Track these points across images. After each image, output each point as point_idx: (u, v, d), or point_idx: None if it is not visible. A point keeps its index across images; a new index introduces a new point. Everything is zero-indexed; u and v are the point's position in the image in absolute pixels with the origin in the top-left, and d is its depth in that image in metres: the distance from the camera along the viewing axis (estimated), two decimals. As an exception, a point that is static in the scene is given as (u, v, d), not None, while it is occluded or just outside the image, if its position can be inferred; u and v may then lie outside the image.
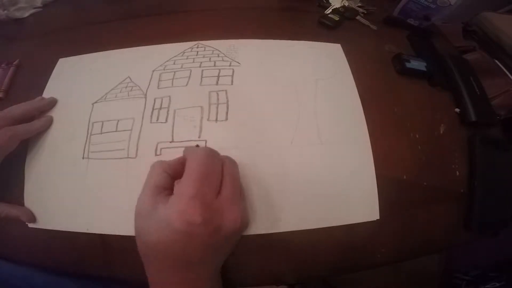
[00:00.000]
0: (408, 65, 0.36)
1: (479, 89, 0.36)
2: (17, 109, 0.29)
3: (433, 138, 0.32)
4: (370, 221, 0.28)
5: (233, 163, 0.25)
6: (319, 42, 0.37)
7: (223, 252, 0.24)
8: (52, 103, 0.32)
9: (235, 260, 0.27)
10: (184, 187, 0.20)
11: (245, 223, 0.24)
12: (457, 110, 0.35)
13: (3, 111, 0.28)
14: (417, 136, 0.32)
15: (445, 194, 0.30)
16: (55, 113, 0.32)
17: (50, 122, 0.31)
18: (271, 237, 0.27)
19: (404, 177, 0.30)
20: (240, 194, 0.24)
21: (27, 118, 0.30)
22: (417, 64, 0.36)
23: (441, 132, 0.33)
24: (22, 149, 0.29)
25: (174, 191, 0.21)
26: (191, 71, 0.33)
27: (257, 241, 0.27)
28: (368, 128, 0.31)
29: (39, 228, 0.28)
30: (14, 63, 0.36)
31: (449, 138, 0.33)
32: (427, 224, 0.29)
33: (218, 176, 0.22)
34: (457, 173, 0.31)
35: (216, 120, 0.30)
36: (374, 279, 0.49)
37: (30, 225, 0.28)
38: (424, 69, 0.36)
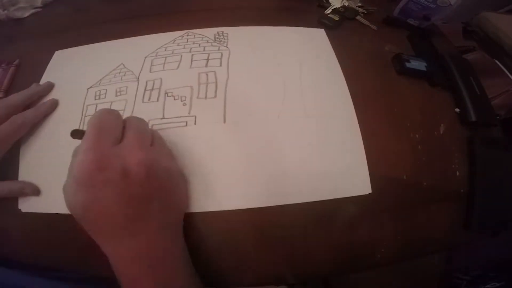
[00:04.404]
0: (408, 65, 0.36)
1: (479, 89, 0.36)
2: (16, 97, 0.30)
3: (433, 138, 0.32)
4: (370, 222, 0.28)
5: (138, 119, 0.25)
6: (303, 28, 0.39)
7: (159, 203, 0.22)
8: (50, 86, 0.33)
9: (235, 261, 0.27)
10: (82, 142, 0.21)
11: (164, 167, 0.23)
12: (457, 110, 0.35)
13: (3, 99, 0.29)
14: (417, 136, 0.32)
15: (445, 194, 0.30)
16: (50, 98, 0.32)
17: (55, 104, 0.32)
18: (271, 237, 0.27)
19: (404, 177, 0.30)
20: (152, 143, 0.23)
21: (27, 105, 0.31)
22: (417, 64, 0.36)
23: (441, 132, 0.33)
24: None
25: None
26: (181, 56, 0.35)
27: (257, 242, 0.27)
28: (367, 128, 0.31)
29: (38, 226, 0.27)
30: (14, 63, 0.36)
31: (449, 138, 0.33)
32: (427, 224, 0.29)
33: (116, 129, 0.22)
34: (457, 173, 0.31)
35: (206, 97, 0.31)
36: (374, 279, 0.49)
37: (24, 209, 0.27)
38: (424, 69, 0.36)
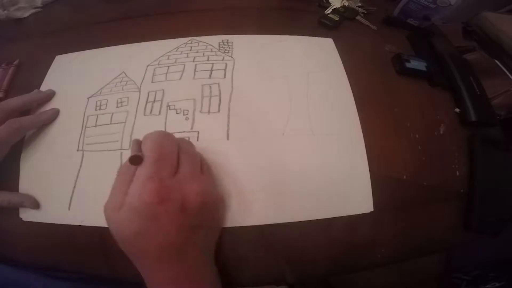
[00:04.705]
0: (408, 65, 0.36)
1: (479, 89, 0.36)
2: (15, 101, 0.29)
3: (433, 138, 0.32)
4: (370, 221, 0.28)
5: (188, 143, 0.25)
6: (311, 37, 0.38)
7: (206, 230, 0.23)
8: (50, 95, 0.33)
9: (234, 261, 0.27)
10: (141, 170, 0.20)
11: (214, 197, 0.23)
12: (457, 110, 0.35)
13: (1, 103, 0.29)
14: (417, 136, 0.32)
15: (445, 194, 0.30)
16: (51, 107, 0.32)
17: (56, 114, 0.31)
18: (271, 237, 0.27)
19: (404, 177, 0.30)
20: (202, 170, 0.24)
21: (25, 110, 0.31)
22: (417, 64, 0.36)
23: (441, 132, 0.33)
24: (18, 142, 0.29)
25: (134, 176, 0.21)
26: (184, 66, 0.34)
27: (257, 241, 0.27)
28: (368, 128, 0.31)
29: (38, 227, 0.28)
30: (14, 63, 0.36)
31: (449, 138, 0.33)
32: (427, 224, 0.29)
33: (174, 156, 0.22)
34: (457, 173, 0.31)
35: (209, 112, 0.31)
36: (374, 279, 0.49)
37: (25, 218, 0.28)
38: (424, 69, 0.36)
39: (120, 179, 0.22)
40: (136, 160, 0.21)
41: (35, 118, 0.30)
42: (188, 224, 0.21)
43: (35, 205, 0.28)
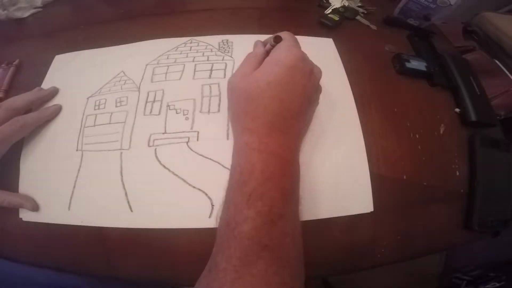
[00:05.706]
0: (408, 65, 0.36)
1: (479, 89, 0.36)
2: (19, 99, 0.30)
3: (433, 138, 0.32)
4: (370, 221, 0.28)
5: None
6: (311, 37, 0.38)
7: (311, 114, 0.27)
8: (54, 92, 0.33)
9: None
10: (284, 42, 0.26)
11: (320, 90, 0.28)
12: (457, 110, 0.35)
13: (5, 101, 0.29)
14: (417, 136, 0.32)
15: (445, 194, 0.30)
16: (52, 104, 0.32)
17: (58, 110, 0.32)
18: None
19: (404, 177, 0.30)
20: None
21: (28, 108, 0.31)
22: (417, 64, 0.36)
23: (441, 132, 0.33)
24: (18, 142, 0.29)
25: (276, 47, 0.26)
26: (184, 66, 0.34)
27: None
28: (368, 128, 0.31)
29: (38, 227, 0.27)
30: (14, 63, 0.36)
31: (449, 138, 0.33)
32: (427, 224, 0.29)
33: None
34: (457, 173, 0.31)
35: (209, 112, 0.31)
36: (374, 279, 0.49)
37: (25, 218, 0.28)
38: (424, 69, 0.36)
39: (251, 59, 0.26)
40: (279, 39, 0.26)
41: (38, 114, 0.30)
42: (309, 93, 0.25)
43: (35, 207, 0.27)
